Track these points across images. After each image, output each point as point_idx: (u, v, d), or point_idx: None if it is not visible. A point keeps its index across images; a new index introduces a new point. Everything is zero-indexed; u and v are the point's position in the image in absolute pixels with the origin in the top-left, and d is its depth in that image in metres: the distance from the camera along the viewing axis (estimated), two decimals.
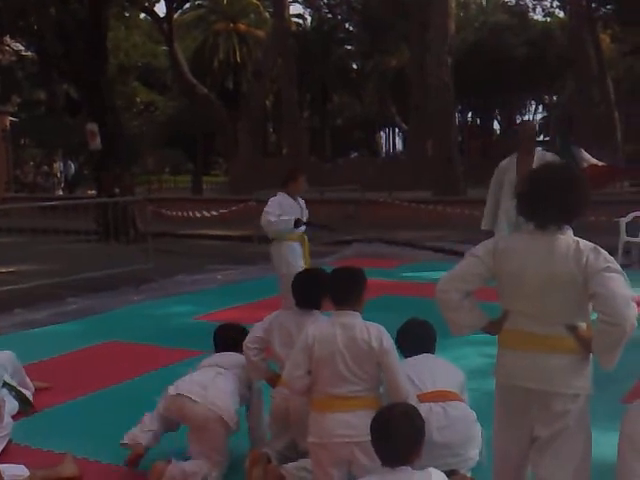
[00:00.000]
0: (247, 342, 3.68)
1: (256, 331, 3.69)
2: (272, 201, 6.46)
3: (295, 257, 6.45)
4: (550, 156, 6.06)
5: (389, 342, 3.09)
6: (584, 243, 2.64)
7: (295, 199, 6.60)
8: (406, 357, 3.56)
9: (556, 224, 2.67)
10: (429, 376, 3.49)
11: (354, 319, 3.12)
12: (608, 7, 26.50)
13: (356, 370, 3.04)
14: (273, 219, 6.30)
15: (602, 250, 2.63)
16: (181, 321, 7.34)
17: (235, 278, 9.89)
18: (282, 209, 6.39)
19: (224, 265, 10.82)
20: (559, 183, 2.69)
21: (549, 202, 2.65)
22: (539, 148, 6.39)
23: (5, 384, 4.44)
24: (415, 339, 3.72)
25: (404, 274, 9.75)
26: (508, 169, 6.31)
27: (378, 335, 3.07)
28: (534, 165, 5.72)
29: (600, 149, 16.81)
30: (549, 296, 2.63)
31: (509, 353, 2.73)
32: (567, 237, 2.67)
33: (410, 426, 2.63)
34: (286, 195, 6.53)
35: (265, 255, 11.10)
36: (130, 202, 13.90)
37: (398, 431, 2.60)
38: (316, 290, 3.62)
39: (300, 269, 5.97)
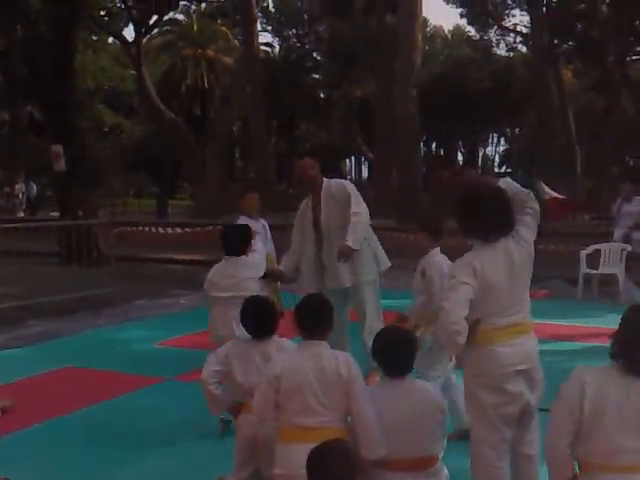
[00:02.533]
0: (205, 377, 3.62)
1: (212, 364, 3.63)
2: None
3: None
4: (335, 187, 5.68)
5: (357, 370, 3.08)
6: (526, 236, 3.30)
7: (256, 219, 6.54)
8: (385, 373, 3.26)
9: (503, 234, 3.21)
10: (405, 430, 3.07)
11: (322, 348, 3.12)
12: (570, 43, 27.35)
13: (325, 401, 3.02)
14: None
15: None
16: (143, 347, 7.25)
17: (199, 303, 9.79)
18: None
19: (188, 290, 10.73)
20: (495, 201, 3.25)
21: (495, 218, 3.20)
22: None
23: None
24: (391, 352, 3.27)
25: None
26: (304, 212, 5.87)
27: (346, 363, 3.06)
28: (322, 200, 5.61)
29: (561, 182, 17.24)
30: (514, 286, 3.20)
31: (498, 346, 3.16)
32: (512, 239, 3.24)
33: (345, 466, 2.36)
34: (246, 217, 6.49)
35: None
36: (94, 225, 13.74)
37: (331, 471, 2.33)
38: (272, 318, 3.62)
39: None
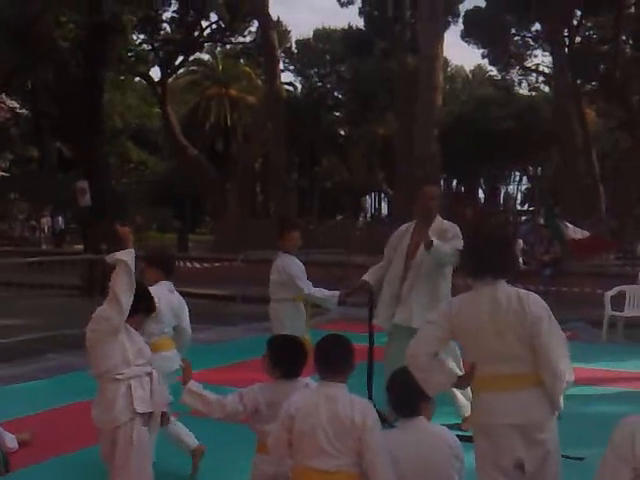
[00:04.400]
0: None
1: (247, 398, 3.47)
2: (293, 265, 5.97)
3: (297, 318, 6.00)
4: (448, 224, 5.47)
5: (373, 419, 2.97)
6: (523, 291, 3.12)
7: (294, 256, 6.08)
8: (397, 415, 3.27)
9: (494, 277, 3.12)
10: (420, 477, 3.07)
11: (339, 390, 3.04)
12: (593, 83, 27.39)
13: (338, 445, 2.94)
14: (312, 290, 5.92)
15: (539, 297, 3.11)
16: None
17: (216, 338, 9.80)
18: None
19: (206, 324, 10.74)
20: (495, 242, 3.25)
21: (489, 258, 3.14)
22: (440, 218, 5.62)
23: None
24: (404, 394, 3.25)
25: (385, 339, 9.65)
26: (404, 235, 5.65)
27: (362, 411, 2.97)
28: (430, 233, 5.30)
29: (584, 222, 17.10)
30: (504, 339, 3.02)
31: (488, 396, 3.05)
32: (505, 286, 3.13)
33: None
34: (289, 255, 6.04)
35: (247, 315, 11.17)
36: None
37: None
38: (302, 359, 3.50)
39: (301, 331, 5.77)
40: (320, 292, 5.98)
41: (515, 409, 2.99)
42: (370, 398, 4.85)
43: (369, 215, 51.91)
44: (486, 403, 3.06)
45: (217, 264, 14.12)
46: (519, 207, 46.99)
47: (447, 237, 5.33)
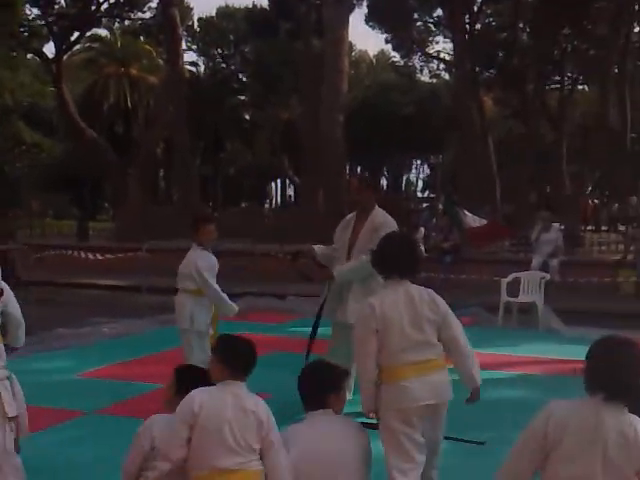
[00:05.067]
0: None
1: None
2: (206, 259, 5.85)
3: (202, 311, 5.87)
4: (382, 220, 5.56)
5: (273, 419, 3.09)
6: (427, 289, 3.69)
7: (209, 251, 5.92)
8: (305, 408, 3.33)
9: (400, 276, 3.63)
10: (330, 467, 3.12)
11: (242, 389, 3.12)
12: (491, 71, 28.34)
13: (242, 442, 2.97)
14: (215, 289, 5.82)
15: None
16: (63, 378, 6.98)
17: (122, 331, 9.55)
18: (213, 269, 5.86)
19: (110, 317, 10.45)
20: (401, 246, 3.77)
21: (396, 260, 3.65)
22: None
23: None
24: (313, 388, 3.33)
25: (294, 329, 9.67)
26: (347, 225, 5.82)
27: (265, 409, 3.09)
28: (364, 227, 5.56)
29: (481, 208, 17.75)
30: (421, 329, 3.52)
31: (407, 382, 3.45)
32: (411, 284, 3.64)
33: None
34: (200, 249, 5.88)
35: (153, 306, 10.95)
36: (11, 249, 13.24)
37: None
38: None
39: (205, 325, 5.82)
40: (222, 296, 5.90)
41: (431, 391, 3.48)
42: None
43: (275, 201, 51.86)
44: (405, 388, 3.44)
45: (120, 254, 13.72)
46: (420, 194, 48.28)
47: (379, 235, 5.40)
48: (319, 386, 3.28)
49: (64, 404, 5.92)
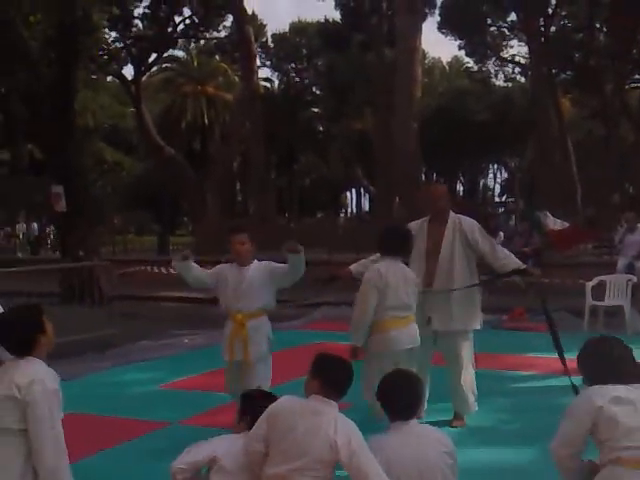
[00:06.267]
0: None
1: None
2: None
3: None
4: (468, 224, 5.44)
5: (359, 441, 3.02)
6: None
7: (239, 268, 5.04)
8: (391, 419, 3.29)
9: (393, 256, 5.10)
10: (417, 477, 3.10)
11: (329, 408, 3.12)
12: (568, 73, 27.58)
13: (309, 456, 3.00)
14: None
15: None
16: (147, 390, 7.09)
17: (202, 342, 9.65)
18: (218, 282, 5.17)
19: (191, 329, 10.61)
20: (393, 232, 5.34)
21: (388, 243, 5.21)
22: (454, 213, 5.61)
23: None
24: (399, 398, 3.31)
25: None
26: (418, 233, 5.54)
27: (345, 434, 3.01)
28: (446, 232, 5.39)
29: (561, 211, 17.20)
30: (407, 293, 4.99)
31: (396, 331, 4.88)
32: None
33: None
34: (230, 264, 5.17)
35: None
36: (95, 265, 13.68)
37: None
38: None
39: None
40: None
41: (411, 337, 4.94)
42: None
43: (349, 211, 51.88)
44: (394, 337, 4.87)
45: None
46: (497, 199, 47.25)
47: (476, 238, 5.35)
48: (409, 396, 3.25)
49: (149, 415, 5.99)
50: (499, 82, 37.06)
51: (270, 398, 3.46)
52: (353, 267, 5.65)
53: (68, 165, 15.60)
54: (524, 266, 5.44)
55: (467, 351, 5.44)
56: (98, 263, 14.14)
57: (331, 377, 3.17)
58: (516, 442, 5.06)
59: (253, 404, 3.49)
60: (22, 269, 14.34)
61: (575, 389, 3.67)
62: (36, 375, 3.00)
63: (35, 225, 29.09)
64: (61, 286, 14.15)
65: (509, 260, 5.35)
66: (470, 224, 5.46)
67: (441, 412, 5.39)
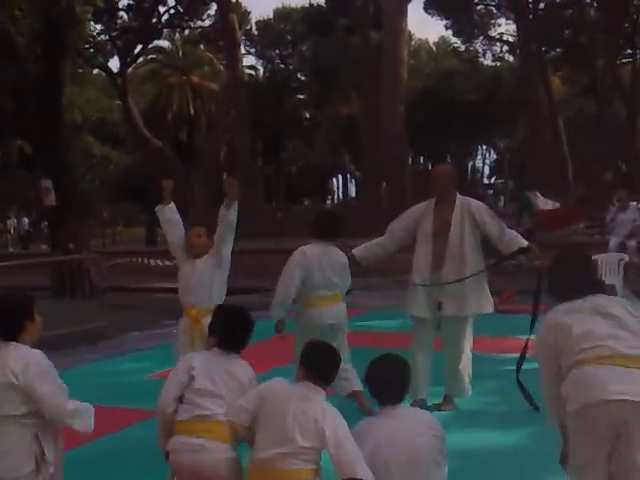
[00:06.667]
0: (163, 406, 3.40)
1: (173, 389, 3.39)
2: None
3: None
4: (475, 205, 5.36)
5: (344, 431, 3.04)
6: None
7: (193, 261, 5.01)
8: (380, 403, 3.27)
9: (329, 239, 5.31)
10: (406, 460, 3.08)
11: (318, 395, 3.14)
12: (558, 50, 27.40)
13: (301, 440, 3.00)
14: None
15: None
16: (138, 379, 7.12)
17: None
18: None
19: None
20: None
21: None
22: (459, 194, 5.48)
23: None
24: (387, 383, 3.27)
25: (359, 323, 9.28)
26: (423, 215, 5.43)
27: (333, 423, 3.04)
28: (454, 214, 5.26)
29: (552, 191, 17.19)
30: (333, 274, 5.27)
31: (320, 308, 5.18)
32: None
33: None
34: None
35: None
36: (85, 258, 13.65)
37: None
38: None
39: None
40: None
41: (333, 313, 5.22)
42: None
43: (336, 198, 51.83)
44: (318, 312, 5.16)
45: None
46: (487, 181, 47.23)
47: (485, 220, 5.27)
48: (397, 381, 3.25)
49: (140, 404, 6.01)
50: (487, 61, 37.01)
51: (243, 313, 3.54)
52: (356, 251, 5.57)
53: (57, 160, 15.56)
54: (527, 244, 5.27)
55: (469, 334, 5.42)
56: (88, 256, 14.12)
57: (315, 365, 3.18)
58: (505, 424, 5.07)
59: (225, 318, 3.51)
60: (13, 263, 14.30)
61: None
62: (29, 358, 3.07)
63: (26, 220, 29.01)
64: (51, 279, 14.13)
65: (515, 241, 5.25)
66: (478, 205, 5.38)
67: (432, 396, 5.39)
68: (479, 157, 53.05)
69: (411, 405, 4.78)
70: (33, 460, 3.07)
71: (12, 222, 29.71)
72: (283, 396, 3.09)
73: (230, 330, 3.43)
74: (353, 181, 44.20)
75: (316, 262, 5.10)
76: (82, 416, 3.16)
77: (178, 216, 5.14)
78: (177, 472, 3.29)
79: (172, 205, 5.13)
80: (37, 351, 3.18)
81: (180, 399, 3.31)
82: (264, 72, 41.00)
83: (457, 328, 5.36)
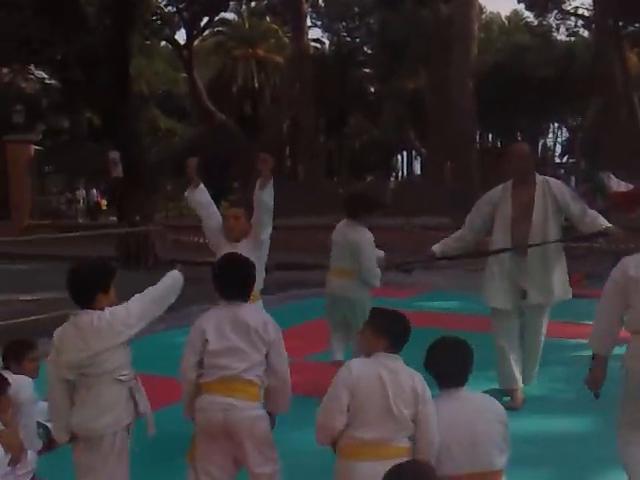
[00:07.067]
0: (186, 371, 3.41)
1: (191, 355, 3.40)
2: None
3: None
4: (554, 182, 5.13)
5: (428, 392, 3.03)
6: None
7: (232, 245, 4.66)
8: (441, 386, 3.21)
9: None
10: (467, 444, 3.03)
11: (397, 363, 3.05)
12: (636, 25, 26.18)
13: (399, 416, 2.94)
14: None
15: None
16: None
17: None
18: None
19: None
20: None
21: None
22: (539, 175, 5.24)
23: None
24: (449, 366, 3.21)
25: (420, 303, 9.36)
26: (500, 200, 5.16)
27: (421, 381, 3.02)
28: (536, 196, 4.98)
29: (627, 171, 16.45)
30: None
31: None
32: None
33: None
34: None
35: (280, 283, 11.09)
36: (150, 231, 13.86)
37: None
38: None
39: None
40: None
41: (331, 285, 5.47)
42: None
43: (400, 175, 51.23)
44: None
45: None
46: (558, 160, 45.82)
47: (567, 201, 5.03)
48: (458, 364, 3.16)
49: None
50: (560, 36, 35.79)
51: (232, 260, 3.54)
52: (435, 247, 5.40)
53: (125, 131, 15.78)
54: (609, 226, 5.05)
55: (546, 322, 5.30)
56: (153, 228, 14.32)
57: (393, 332, 3.10)
58: (570, 411, 5.01)
59: (217, 270, 3.49)
60: (81, 234, 14.65)
61: None
62: (124, 319, 3.25)
63: (94, 191, 29.73)
64: (117, 250, 14.41)
65: (597, 221, 5.02)
66: (559, 186, 5.10)
67: (493, 380, 5.26)
68: (550, 135, 51.50)
69: (513, 401, 4.88)
70: (130, 414, 3.26)
71: (81, 193, 30.49)
72: (373, 377, 2.99)
73: (226, 279, 3.40)
74: (418, 158, 43.58)
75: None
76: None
77: (209, 197, 4.80)
78: (205, 431, 3.25)
79: (202, 186, 4.78)
80: (116, 309, 3.29)
81: (201, 364, 3.30)
82: (330, 45, 40.61)
83: (540, 316, 5.19)
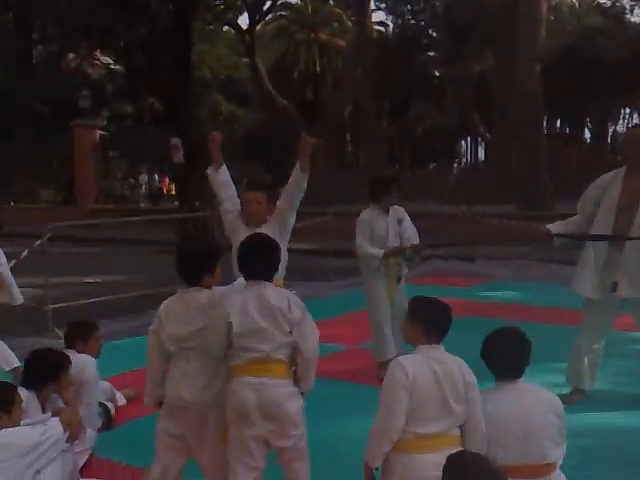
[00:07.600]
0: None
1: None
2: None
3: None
4: None
5: (474, 377, 3.02)
6: None
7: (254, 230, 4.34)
8: (497, 377, 3.15)
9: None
10: (521, 435, 2.99)
11: (443, 352, 3.03)
12: None
13: (454, 406, 2.93)
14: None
15: None
16: None
17: (310, 293, 9.50)
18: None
19: (299, 280, 10.52)
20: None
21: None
22: None
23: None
24: (509, 358, 3.16)
25: (482, 293, 9.21)
26: (610, 184, 4.81)
27: (468, 368, 3.01)
28: None
29: None
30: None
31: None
32: None
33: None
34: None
35: (339, 270, 10.94)
36: (210, 216, 13.93)
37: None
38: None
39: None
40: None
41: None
42: None
43: (465, 161, 50.27)
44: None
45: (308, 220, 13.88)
46: None
47: None
48: (514, 355, 3.12)
49: None
50: (634, 18, 34.37)
51: (255, 240, 3.46)
52: (552, 227, 5.01)
53: (186, 117, 15.91)
54: None
55: None
56: (212, 214, 14.37)
57: (435, 321, 3.06)
58: (632, 405, 4.81)
59: (241, 251, 3.45)
60: (142, 218, 14.85)
61: None
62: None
63: (156, 176, 30.22)
64: (177, 235, 14.56)
65: None
66: None
67: (551, 373, 5.10)
68: (621, 121, 49.60)
69: (569, 396, 4.69)
70: (217, 388, 3.31)
71: (143, 178, 31.02)
72: (428, 375, 2.94)
73: (251, 258, 3.36)
74: (483, 144, 42.65)
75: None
76: None
77: (230, 178, 4.56)
78: (239, 411, 3.20)
79: (224, 166, 4.52)
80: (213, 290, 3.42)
81: (228, 345, 3.25)
82: (394, 28, 39.99)
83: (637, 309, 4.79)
